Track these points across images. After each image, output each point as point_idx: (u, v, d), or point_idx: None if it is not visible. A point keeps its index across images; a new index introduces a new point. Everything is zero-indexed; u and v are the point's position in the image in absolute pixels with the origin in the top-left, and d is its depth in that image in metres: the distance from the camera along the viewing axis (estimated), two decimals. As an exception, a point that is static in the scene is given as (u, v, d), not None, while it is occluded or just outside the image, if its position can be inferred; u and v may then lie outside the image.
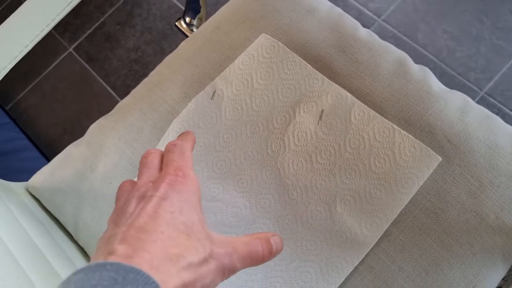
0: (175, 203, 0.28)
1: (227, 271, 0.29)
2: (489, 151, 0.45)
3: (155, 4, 1.25)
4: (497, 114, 0.99)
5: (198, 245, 0.27)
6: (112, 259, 0.24)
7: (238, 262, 0.29)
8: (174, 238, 0.26)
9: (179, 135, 0.39)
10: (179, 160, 0.32)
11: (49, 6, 0.46)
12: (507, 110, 1.00)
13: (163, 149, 0.49)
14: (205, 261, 0.27)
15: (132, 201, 0.29)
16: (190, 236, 0.27)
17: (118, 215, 0.29)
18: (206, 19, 0.61)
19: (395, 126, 0.45)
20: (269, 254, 0.31)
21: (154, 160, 0.34)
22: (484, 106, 0.99)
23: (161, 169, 0.33)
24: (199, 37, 0.57)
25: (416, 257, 0.43)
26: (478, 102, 1.02)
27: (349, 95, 0.48)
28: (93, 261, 0.24)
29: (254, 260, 0.31)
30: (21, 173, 0.66)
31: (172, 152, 0.34)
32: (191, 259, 0.26)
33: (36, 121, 1.20)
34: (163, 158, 0.34)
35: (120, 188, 0.33)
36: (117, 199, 0.32)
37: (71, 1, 0.45)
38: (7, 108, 1.23)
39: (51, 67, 1.25)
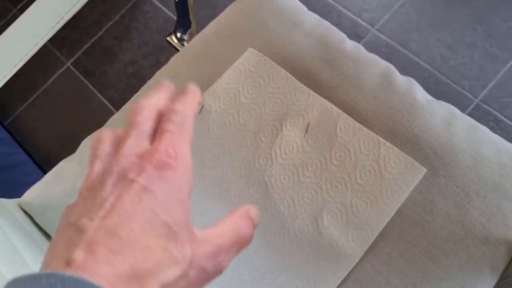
0: (159, 197, 0.23)
1: (213, 274, 0.25)
2: (475, 161, 0.45)
3: (152, 17, 1.26)
4: (492, 121, 1.00)
5: (178, 253, 0.22)
6: (69, 271, 0.20)
7: (226, 258, 0.25)
8: (149, 248, 0.22)
9: (181, 91, 0.30)
10: (175, 134, 0.26)
11: (39, 25, 0.47)
12: (502, 117, 1.00)
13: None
14: (183, 275, 0.23)
15: (109, 180, 0.24)
16: (169, 240, 0.22)
17: (90, 191, 0.24)
18: (197, 33, 0.62)
19: (380, 138, 0.46)
20: (253, 231, 0.27)
21: (147, 122, 0.27)
22: (479, 114, 1.00)
23: (153, 136, 0.27)
24: (188, 52, 0.58)
25: (403, 269, 0.43)
26: (473, 110, 1.02)
27: (335, 108, 0.48)
28: (41, 269, 0.21)
29: (244, 245, 0.26)
30: (19, 188, 0.66)
31: (169, 121, 0.27)
32: (166, 277, 0.22)
33: (34, 135, 1.21)
34: (158, 120, 0.28)
35: (97, 143, 0.27)
36: (92, 158, 0.26)
37: (59, 21, 0.46)
38: (5, 123, 1.24)
39: (49, 82, 1.26)
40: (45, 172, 1.09)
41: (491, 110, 1.01)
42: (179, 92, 0.30)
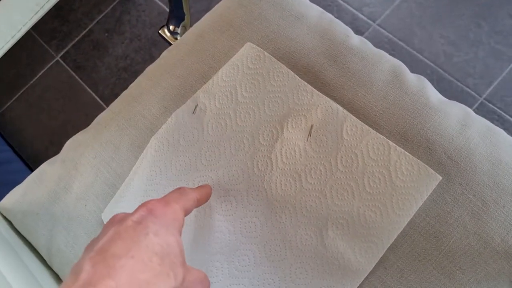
0: (149, 225, 0.28)
1: None
2: (493, 167, 0.42)
3: (144, 10, 1.21)
4: (497, 120, 0.96)
5: (170, 272, 0.26)
6: None
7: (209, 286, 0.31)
8: (145, 262, 0.25)
9: (196, 187, 0.39)
10: (172, 196, 0.33)
11: (16, 15, 0.43)
12: (508, 117, 0.97)
13: (140, 168, 0.48)
14: None
15: (109, 226, 0.29)
16: (163, 259, 0.26)
17: (94, 239, 0.28)
18: (191, 26, 0.58)
19: (390, 142, 0.42)
20: None
21: None
22: (484, 113, 0.97)
23: None
24: (181, 47, 0.53)
25: (415, 286, 0.39)
26: (477, 108, 0.98)
27: (341, 108, 0.44)
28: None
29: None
30: (5, 187, 0.62)
31: (173, 192, 0.34)
32: (161, 287, 0.25)
33: (21, 132, 1.16)
34: None
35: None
36: None
37: (39, 10, 0.42)
38: (-8, 119, 1.19)
39: (37, 76, 1.21)
40: (32, 171, 1.04)
41: (495, 109, 0.98)
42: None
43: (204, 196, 0.38)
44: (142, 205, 0.30)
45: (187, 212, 0.33)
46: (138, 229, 0.27)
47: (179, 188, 0.35)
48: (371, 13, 1.09)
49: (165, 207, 0.30)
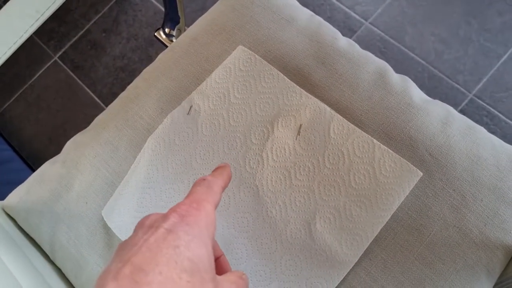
0: (181, 236, 0.26)
1: None
2: (472, 163, 0.44)
3: (141, 10, 1.23)
4: (486, 116, 0.99)
5: (200, 287, 0.25)
6: None
7: None
8: (173, 280, 0.24)
9: (214, 169, 0.36)
10: (201, 193, 0.31)
11: (17, 23, 0.45)
12: (496, 112, 0.99)
13: (137, 166, 0.48)
14: None
15: (139, 231, 0.28)
16: (193, 275, 0.25)
17: (123, 245, 0.28)
18: (186, 29, 0.60)
19: (374, 140, 0.44)
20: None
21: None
22: (473, 109, 0.99)
23: None
24: (176, 49, 0.56)
25: (398, 276, 0.42)
26: (466, 105, 1.01)
27: (328, 108, 0.46)
28: None
29: None
30: (6, 186, 0.64)
31: (198, 185, 0.32)
32: None
33: (21, 131, 1.18)
34: None
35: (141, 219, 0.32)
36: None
37: (39, 17, 0.44)
38: (-9, 119, 1.21)
39: (36, 76, 1.23)
40: (33, 170, 1.06)
41: (485, 105, 1.00)
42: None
43: (227, 180, 0.35)
44: (173, 210, 0.28)
45: (217, 206, 0.32)
46: (168, 239, 0.26)
47: (203, 180, 0.32)
48: (363, 11, 1.11)
49: (198, 211, 0.29)
